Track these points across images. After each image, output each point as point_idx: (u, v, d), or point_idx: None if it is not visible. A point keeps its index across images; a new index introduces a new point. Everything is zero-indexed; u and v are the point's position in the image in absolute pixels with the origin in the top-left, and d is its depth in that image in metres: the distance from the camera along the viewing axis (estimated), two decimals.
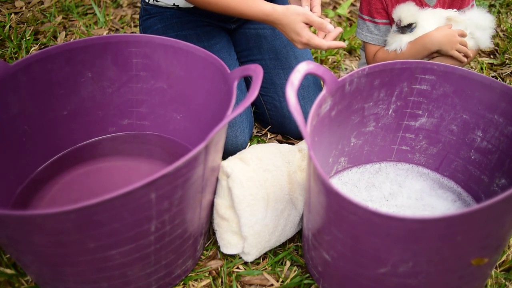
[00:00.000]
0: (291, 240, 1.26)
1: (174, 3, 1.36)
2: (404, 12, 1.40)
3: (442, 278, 0.95)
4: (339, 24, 2.09)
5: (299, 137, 1.54)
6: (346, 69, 1.92)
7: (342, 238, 0.94)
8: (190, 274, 1.17)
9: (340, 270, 1.02)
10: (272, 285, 1.16)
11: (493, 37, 1.64)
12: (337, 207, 0.89)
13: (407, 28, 1.41)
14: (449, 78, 1.21)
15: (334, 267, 1.03)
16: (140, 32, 1.46)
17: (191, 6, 1.38)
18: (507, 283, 1.16)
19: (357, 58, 2.00)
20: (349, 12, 2.17)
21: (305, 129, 0.93)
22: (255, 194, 1.15)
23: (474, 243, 0.90)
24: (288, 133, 1.53)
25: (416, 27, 1.42)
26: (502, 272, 1.19)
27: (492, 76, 1.91)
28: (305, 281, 1.15)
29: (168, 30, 1.41)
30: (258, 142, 1.52)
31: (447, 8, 1.47)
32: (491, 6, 2.34)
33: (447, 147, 1.30)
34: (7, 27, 1.88)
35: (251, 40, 1.52)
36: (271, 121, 1.52)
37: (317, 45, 1.26)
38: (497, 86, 1.16)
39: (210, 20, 1.44)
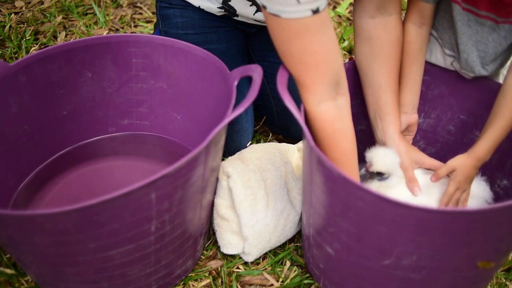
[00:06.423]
0: (291, 240, 1.26)
1: (199, 6, 1.30)
2: (379, 158, 1.10)
3: (445, 276, 0.94)
4: (339, 24, 2.09)
5: (300, 139, 1.54)
6: None
7: (347, 228, 0.93)
8: (190, 274, 1.17)
9: (343, 264, 1.02)
10: (272, 285, 1.16)
11: None
12: (344, 193, 0.88)
13: (377, 175, 1.12)
14: (445, 79, 1.20)
15: (336, 262, 1.03)
16: (157, 18, 1.41)
17: (216, 13, 1.31)
18: (507, 282, 1.16)
19: None
20: (349, 12, 2.16)
21: (303, 120, 0.93)
22: (256, 194, 1.15)
23: (480, 246, 0.89)
24: (290, 135, 1.53)
25: (389, 178, 1.12)
26: (502, 272, 1.19)
27: None
28: (305, 281, 1.15)
29: (188, 27, 1.34)
30: (258, 140, 1.52)
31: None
32: None
33: (445, 147, 1.29)
34: (7, 27, 1.87)
35: (271, 43, 1.48)
36: (278, 123, 1.52)
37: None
38: (494, 86, 1.15)
39: (232, 24, 1.38)
